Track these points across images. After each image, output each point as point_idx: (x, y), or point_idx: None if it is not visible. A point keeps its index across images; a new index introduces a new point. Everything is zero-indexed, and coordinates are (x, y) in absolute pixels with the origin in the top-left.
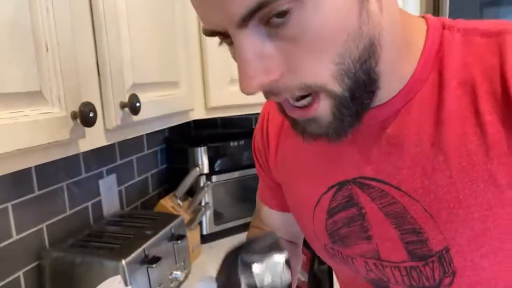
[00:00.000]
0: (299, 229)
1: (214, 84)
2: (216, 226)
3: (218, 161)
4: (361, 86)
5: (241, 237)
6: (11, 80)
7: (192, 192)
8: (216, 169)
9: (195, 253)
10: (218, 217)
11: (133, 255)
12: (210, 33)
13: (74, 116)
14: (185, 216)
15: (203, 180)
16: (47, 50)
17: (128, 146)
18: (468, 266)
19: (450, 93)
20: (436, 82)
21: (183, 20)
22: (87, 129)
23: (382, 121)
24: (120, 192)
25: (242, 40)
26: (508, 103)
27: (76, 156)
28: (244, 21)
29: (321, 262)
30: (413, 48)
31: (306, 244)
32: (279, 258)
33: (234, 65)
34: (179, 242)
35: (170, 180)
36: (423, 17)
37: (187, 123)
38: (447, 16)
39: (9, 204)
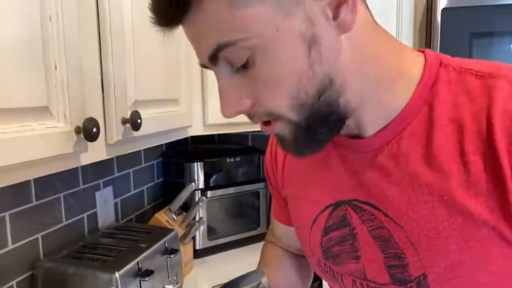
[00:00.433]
0: None
1: (212, 101)
2: (209, 241)
3: (214, 177)
4: (322, 116)
5: (234, 253)
6: (21, 95)
7: (187, 206)
8: (212, 185)
9: (188, 268)
10: (211, 232)
11: (126, 267)
12: (201, 65)
13: (78, 131)
14: (179, 231)
15: (198, 195)
16: (56, 68)
17: (126, 159)
18: None
19: (440, 129)
20: (427, 117)
21: (185, 40)
22: (89, 144)
23: (374, 149)
24: (116, 204)
25: (216, 75)
26: (491, 147)
27: (74, 167)
28: (212, 60)
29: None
30: (406, 81)
31: None
32: None
33: None
34: (172, 256)
35: (165, 194)
36: (422, 51)
37: (185, 138)
38: (438, 46)
39: (6, 214)
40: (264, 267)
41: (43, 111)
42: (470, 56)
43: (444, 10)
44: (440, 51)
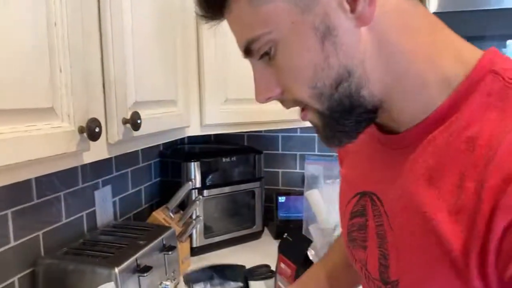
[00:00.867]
0: None
1: (209, 103)
2: (206, 239)
3: (210, 176)
4: (345, 107)
5: (230, 251)
6: (28, 97)
7: (184, 205)
8: (208, 184)
9: (185, 265)
10: (208, 230)
11: (125, 263)
12: (245, 53)
13: (81, 130)
14: (176, 228)
15: (195, 194)
16: (61, 71)
17: (124, 159)
18: None
19: (456, 144)
20: (450, 129)
21: (183, 44)
22: (91, 143)
23: (399, 148)
24: (114, 203)
25: (252, 65)
26: (485, 174)
27: (74, 167)
28: (246, 53)
29: None
30: (441, 83)
31: (291, 257)
32: None
33: (229, 85)
34: (170, 253)
35: (162, 193)
36: (488, 50)
37: (181, 139)
38: None
39: (9, 211)
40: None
41: (49, 111)
42: None
43: (434, 14)
44: None
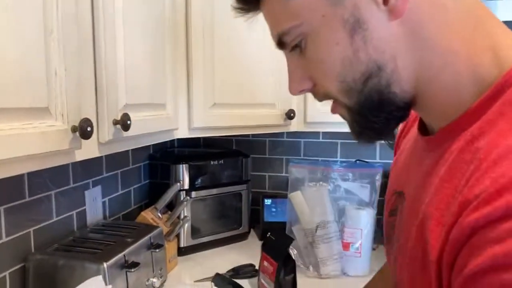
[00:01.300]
0: None
1: (197, 107)
2: (193, 240)
3: (198, 178)
4: (374, 103)
5: (217, 251)
6: (25, 97)
7: (172, 206)
8: (196, 186)
9: (172, 264)
10: (195, 231)
11: (114, 259)
12: (277, 45)
13: (74, 129)
14: (164, 228)
15: (183, 195)
16: (56, 74)
17: (114, 160)
18: None
19: (466, 154)
20: (469, 138)
21: (173, 51)
22: (83, 141)
23: (429, 150)
24: (104, 203)
25: (286, 57)
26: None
27: (65, 167)
28: (280, 45)
29: (287, 273)
30: (476, 82)
31: (273, 255)
32: None
33: (217, 91)
34: (157, 250)
35: (151, 195)
36: None
37: (171, 142)
38: None
39: (1, 208)
40: None
41: (44, 111)
42: None
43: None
44: None
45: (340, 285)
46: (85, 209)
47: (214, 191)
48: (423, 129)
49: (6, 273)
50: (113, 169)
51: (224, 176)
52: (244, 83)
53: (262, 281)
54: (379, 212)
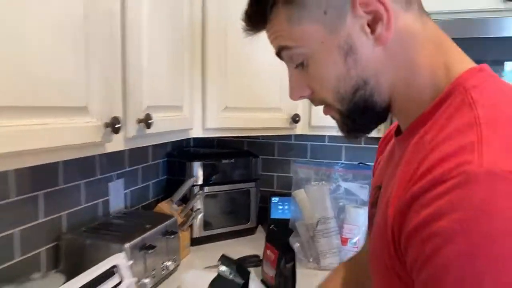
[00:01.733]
0: None
1: (211, 109)
2: (205, 231)
3: (211, 175)
4: (360, 109)
5: (226, 243)
6: (69, 98)
7: (187, 200)
8: (209, 182)
9: (185, 252)
10: (207, 224)
11: (134, 241)
12: (276, 54)
13: (106, 125)
14: (178, 219)
15: (196, 189)
16: (93, 80)
17: (136, 156)
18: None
19: (419, 146)
20: (423, 131)
21: (190, 58)
22: (113, 136)
23: (400, 147)
24: (125, 194)
25: (287, 67)
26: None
27: (93, 161)
28: (278, 56)
29: (287, 261)
30: (432, 93)
31: (275, 244)
32: None
33: (229, 95)
34: (171, 237)
35: (168, 190)
36: (477, 68)
37: (187, 142)
38: None
39: (40, 193)
40: None
41: (83, 110)
42: None
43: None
44: None
45: None
46: (108, 199)
47: (225, 187)
48: (398, 132)
49: (43, 249)
50: (134, 164)
51: (235, 174)
52: (253, 89)
53: (265, 268)
54: None
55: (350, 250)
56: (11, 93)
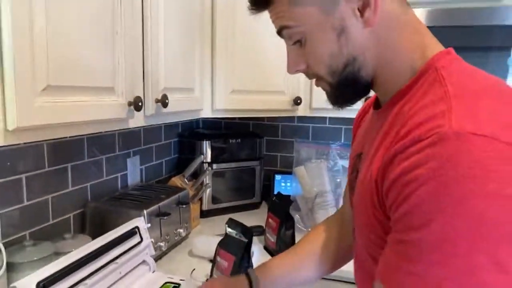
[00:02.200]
0: None
1: (219, 92)
2: (213, 204)
3: (219, 154)
4: (348, 81)
5: (233, 216)
6: (99, 79)
7: (197, 175)
8: (217, 160)
9: (195, 223)
10: (215, 198)
11: (151, 208)
12: (277, 33)
13: (129, 104)
14: (190, 192)
15: (206, 166)
16: (119, 64)
17: (150, 135)
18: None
19: (400, 115)
20: (402, 103)
21: (200, 44)
22: (135, 113)
23: (380, 117)
24: (141, 170)
25: (286, 45)
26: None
27: (113, 138)
28: (279, 34)
29: (287, 228)
30: (411, 70)
31: (275, 212)
32: None
33: (235, 79)
34: (184, 206)
35: (179, 167)
36: (444, 50)
37: (197, 124)
38: None
39: (69, 165)
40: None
41: (111, 90)
42: None
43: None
44: None
45: None
46: (126, 173)
47: (232, 165)
48: (377, 106)
49: (71, 215)
50: (149, 143)
51: (241, 153)
52: (258, 74)
53: (268, 235)
54: None
55: None
56: (54, 74)
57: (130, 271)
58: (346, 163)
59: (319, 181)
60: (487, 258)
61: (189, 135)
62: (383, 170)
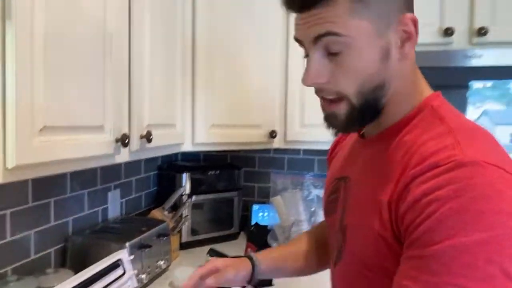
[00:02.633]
0: None
1: (200, 126)
2: (192, 236)
3: (198, 185)
4: (369, 105)
5: (211, 247)
6: (92, 119)
7: (176, 208)
8: (196, 192)
9: (175, 254)
10: (194, 230)
11: (133, 241)
12: (296, 40)
13: (117, 140)
14: (170, 224)
15: (185, 198)
16: (107, 104)
17: (130, 169)
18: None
19: (399, 150)
20: (401, 135)
21: (182, 84)
22: (122, 149)
23: (373, 145)
24: (121, 203)
25: (312, 52)
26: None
27: (95, 173)
28: (316, 40)
29: None
30: (413, 102)
31: (254, 241)
32: None
33: (216, 113)
34: (164, 238)
35: (158, 200)
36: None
37: (176, 156)
38: None
39: (52, 200)
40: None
41: (101, 128)
42: None
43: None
44: None
45: None
46: (107, 206)
47: (211, 196)
48: (361, 135)
49: (52, 250)
50: (129, 176)
51: (219, 185)
52: (236, 108)
53: None
54: None
55: None
56: (51, 116)
57: None
58: (320, 192)
59: (295, 211)
60: (499, 269)
61: (168, 167)
62: (399, 193)
